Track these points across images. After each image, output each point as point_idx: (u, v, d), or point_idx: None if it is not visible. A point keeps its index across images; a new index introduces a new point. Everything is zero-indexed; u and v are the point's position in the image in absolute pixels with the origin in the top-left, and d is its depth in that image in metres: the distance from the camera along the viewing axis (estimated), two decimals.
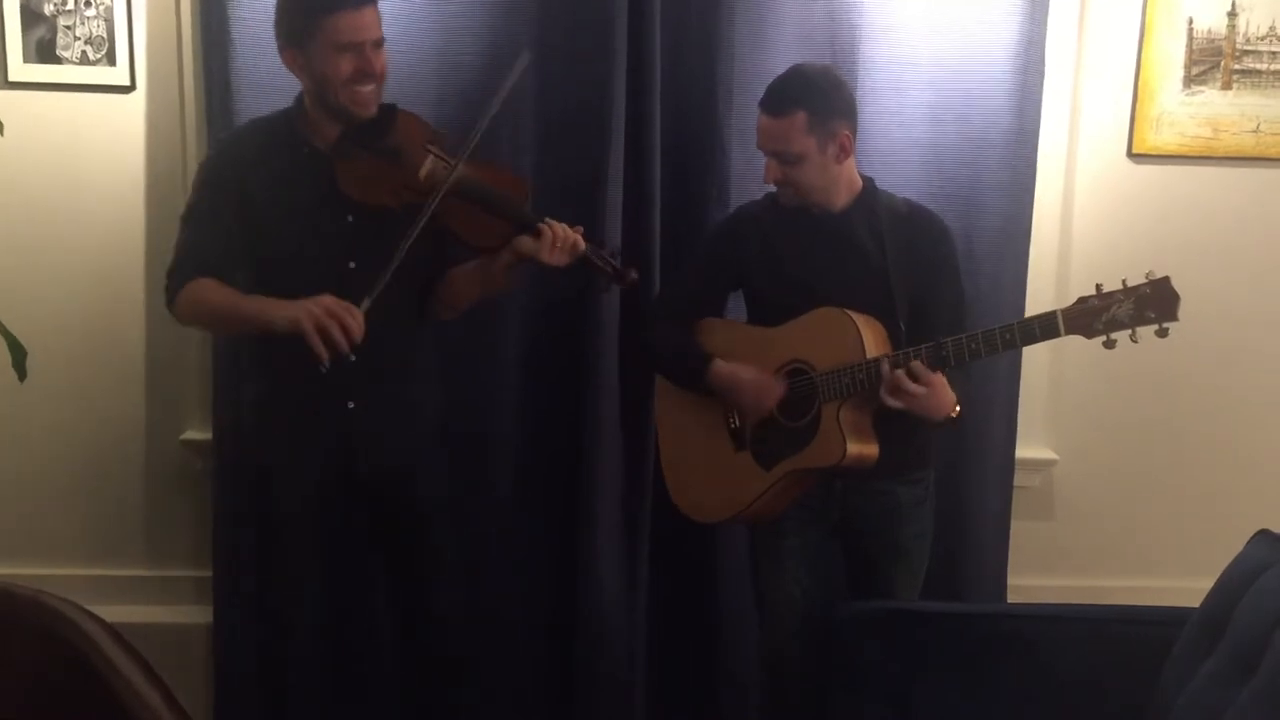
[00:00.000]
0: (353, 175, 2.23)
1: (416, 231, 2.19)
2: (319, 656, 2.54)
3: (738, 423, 2.49)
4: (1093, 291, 2.14)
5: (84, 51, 2.78)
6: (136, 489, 2.98)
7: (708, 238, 2.66)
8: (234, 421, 2.55)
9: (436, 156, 2.27)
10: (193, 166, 2.79)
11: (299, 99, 2.34)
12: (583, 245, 2.31)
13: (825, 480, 2.41)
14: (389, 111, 2.30)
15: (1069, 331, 2.15)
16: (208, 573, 2.89)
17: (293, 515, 2.41)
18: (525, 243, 2.28)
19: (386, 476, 2.43)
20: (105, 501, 2.98)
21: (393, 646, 2.75)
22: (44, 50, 2.77)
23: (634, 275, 2.44)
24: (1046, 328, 2.17)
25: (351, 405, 2.35)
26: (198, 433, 2.91)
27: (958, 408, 2.30)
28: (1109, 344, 2.12)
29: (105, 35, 2.77)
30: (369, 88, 2.24)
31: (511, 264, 2.33)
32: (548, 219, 2.29)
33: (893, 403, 2.24)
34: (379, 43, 2.26)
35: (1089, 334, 2.14)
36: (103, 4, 2.76)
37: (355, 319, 2.14)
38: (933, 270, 2.42)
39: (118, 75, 2.79)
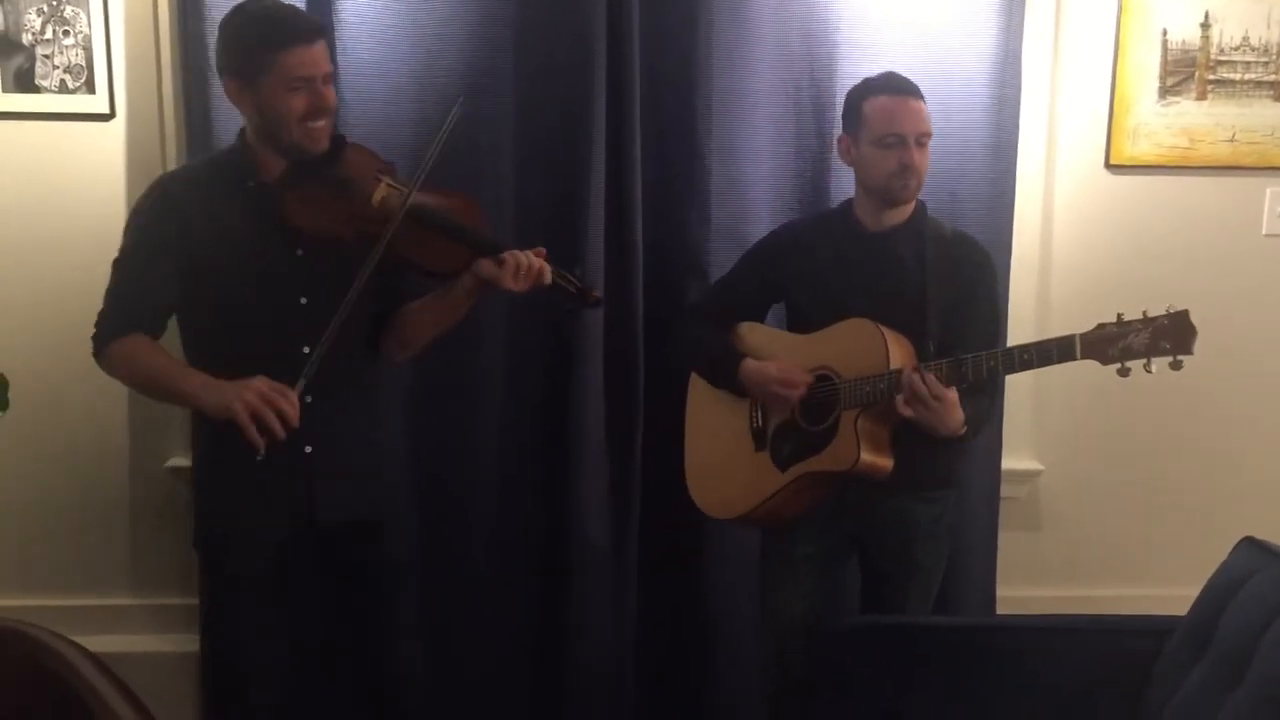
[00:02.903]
0: (302, 206, 2.14)
1: (375, 261, 2.09)
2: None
3: (760, 423, 2.52)
4: (1106, 317, 2.15)
5: (63, 80, 2.77)
6: (122, 517, 2.96)
7: (751, 251, 2.67)
8: (197, 479, 2.38)
9: (389, 184, 2.19)
10: None
11: (241, 134, 2.24)
12: (548, 275, 2.22)
13: (839, 488, 2.43)
14: (338, 143, 2.22)
15: (1085, 356, 2.16)
16: (195, 600, 2.87)
17: (253, 576, 2.24)
18: (487, 266, 2.19)
19: (351, 529, 2.29)
20: (90, 530, 2.96)
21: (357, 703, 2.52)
22: (23, 79, 2.77)
23: (597, 294, 2.40)
24: (1064, 350, 2.18)
25: (309, 450, 2.18)
26: (183, 459, 2.88)
27: (965, 428, 2.32)
28: (1123, 372, 2.12)
29: (84, 63, 2.77)
30: (321, 123, 2.15)
31: (472, 290, 2.23)
32: (511, 249, 2.20)
33: (905, 410, 2.26)
34: (329, 77, 2.17)
35: (1104, 360, 2.14)
36: (81, 32, 2.75)
37: (291, 403, 2.01)
38: (969, 299, 2.44)
39: (97, 103, 2.78)
